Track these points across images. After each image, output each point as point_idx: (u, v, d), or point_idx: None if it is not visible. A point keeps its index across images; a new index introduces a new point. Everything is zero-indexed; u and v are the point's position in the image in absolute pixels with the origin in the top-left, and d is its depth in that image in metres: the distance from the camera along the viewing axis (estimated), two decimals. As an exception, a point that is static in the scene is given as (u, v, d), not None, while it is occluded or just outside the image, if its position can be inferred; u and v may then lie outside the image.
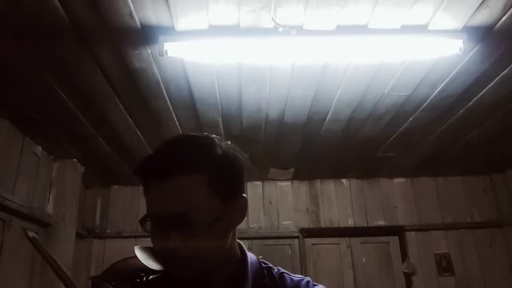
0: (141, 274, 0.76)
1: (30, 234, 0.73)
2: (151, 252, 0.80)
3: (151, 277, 0.76)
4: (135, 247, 0.81)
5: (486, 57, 2.22)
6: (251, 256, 0.84)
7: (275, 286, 0.82)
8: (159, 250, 0.74)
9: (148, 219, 0.75)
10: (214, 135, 0.81)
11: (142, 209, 4.44)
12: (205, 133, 0.82)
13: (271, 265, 0.87)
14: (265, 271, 0.84)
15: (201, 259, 0.72)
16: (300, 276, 0.85)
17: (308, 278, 0.84)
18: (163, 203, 0.72)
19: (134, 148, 3.28)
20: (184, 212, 0.70)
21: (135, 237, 4.05)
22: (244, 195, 0.79)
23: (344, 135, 3.19)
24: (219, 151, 0.76)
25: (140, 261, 0.78)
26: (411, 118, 2.94)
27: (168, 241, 0.71)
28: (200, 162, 0.73)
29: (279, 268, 0.87)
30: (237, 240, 0.84)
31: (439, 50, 2.08)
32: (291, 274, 0.85)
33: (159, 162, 0.73)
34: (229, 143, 0.81)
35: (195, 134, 0.82)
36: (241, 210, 0.79)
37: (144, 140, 3.14)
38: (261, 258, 0.88)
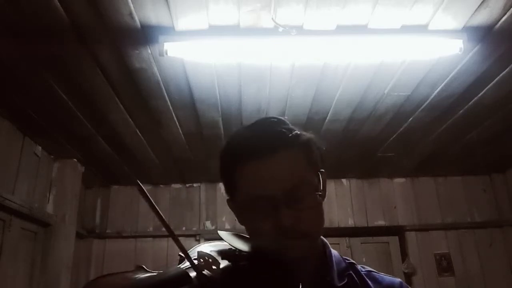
0: (232, 249, 0.72)
1: (138, 182, 0.70)
2: (235, 236, 0.77)
3: (239, 253, 0.72)
4: (219, 231, 0.78)
5: (486, 57, 2.23)
6: (333, 250, 0.85)
7: (362, 281, 0.81)
8: (269, 231, 0.70)
9: (254, 200, 0.72)
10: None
11: (142, 209, 4.45)
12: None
13: (354, 261, 0.86)
14: (348, 265, 0.83)
15: (315, 233, 0.73)
16: (391, 276, 0.84)
17: (399, 279, 0.83)
18: (269, 180, 0.70)
19: (134, 148, 3.28)
20: (294, 186, 0.70)
21: (135, 237, 4.05)
22: (322, 170, 0.79)
23: (344, 135, 3.19)
24: (301, 131, 0.78)
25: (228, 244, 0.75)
26: (411, 118, 2.94)
27: (281, 219, 0.68)
28: (294, 137, 0.74)
29: (364, 266, 0.86)
30: None
31: (439, 50, 2.08)
32: (381, 273, 0.85)
33: (256, 141, 0.72)
34: None
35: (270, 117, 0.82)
36: (325, 183, 0.78)
37: (144, 140, 3.15)
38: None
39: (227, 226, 4.12)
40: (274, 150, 0.71)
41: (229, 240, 0.74)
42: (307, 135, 0.78)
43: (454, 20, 1.93)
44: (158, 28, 1.92)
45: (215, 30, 1.94)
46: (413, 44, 2.03)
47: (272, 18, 1.87)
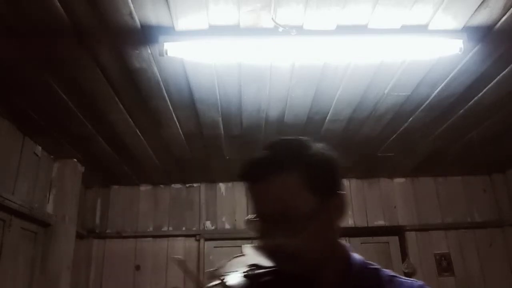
0: (252, 268, 0.83)
1: (177, 258, 0.81)
2: (259, 250, 0.86)
3: (259, 271, 0.82)
4: (243, 245, 0.91)
5: (486, 57, 2.22)
6: (355, 257, 0.86)
7: None
8: (265, 247, 0.79)
9: (255, 219, 0.80)
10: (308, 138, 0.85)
11: (142, 209, 4.47)
12: (299, 137, 0.86)
13: (379, 266, 0.87)
14: (371, 273, 0.85)
15: (304, 254, 0.76)
16: (412, 279, 0.85)
17: (421, 282, 0.84)
18: (264, 202, 0.78)
19: (134, 148, 3.28)
20: (282, 210, 0.75)
21: (135, 237, 4.05)
22: (341, 192, 0.83)
23: (344, 135, 3.19)
24: (314, 150, 0.81)
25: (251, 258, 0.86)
26: (411, 118, 2.94)
27: (271, 238, 0.76)
28: (295, 162, 0.78)
29: (390, 271, 0.87)
30: (341, 241, 0.87)
31: (439, 50, 2.08)
32: (402, 277, 0.86)
33: (257, 166, 0.80)
34: (322, 144, 0.85)
35: (289, 137, 0.86)
36: (340, 207, 0.83)
37: (144, 140, 3.15)
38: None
39: (227, 226, 4.12)
40: (269, 175, 0.77)
41: (251, 256, 0.86)
42: (319, 156, 0.80)
43: (454, 20, 1.93)
44: (158, 28, 1.92)
45: (215, 30, 1.94)
46: (413, 44, 2.03)
47: (272, 18, 1.87)
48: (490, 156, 3.72)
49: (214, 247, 4.04)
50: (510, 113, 2.87)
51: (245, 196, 0.81)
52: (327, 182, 0.80)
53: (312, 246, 0.77)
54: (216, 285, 0.80)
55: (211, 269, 0.85)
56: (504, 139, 3.33)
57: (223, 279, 0.80)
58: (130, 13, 1.80)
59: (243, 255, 0.90)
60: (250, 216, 0.81)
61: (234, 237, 3.96)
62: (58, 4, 1.72)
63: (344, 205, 0.83)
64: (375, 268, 0.86)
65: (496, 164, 4.02)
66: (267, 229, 0.77)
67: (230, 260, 0.90)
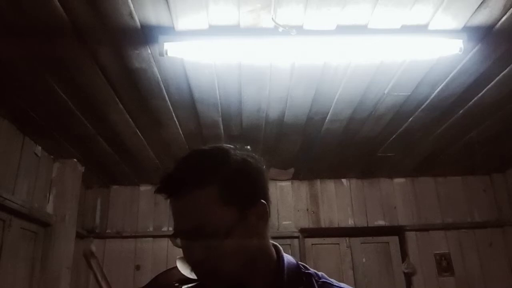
0: (176, 285, 0.81)
1: (93, 248, 0.80)
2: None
3: (185, 286, 0.80)
4: (177, 257, 0.87)
5: (486, 57, 2.22)
6: (289, 261, 0.83)
7: None
8: (188, 263, 0.78)
9: (174, 235, 0.78)
10: (229, 145, 0.82)
11: (142, 209, 4.45)
12: (218, 145, 0.83)
13: (313, 271, 0.85)
14: (304, 278, 0.82)
15: (225, 268, 0.74)
16: (345, 285, 0.83)
17: None
18: (180, 218, 0.76)
19: (134, 148, 3.28)
20: (198, 226, 0.73)
21: (135, 237, 4.05)
22: (262, 201, 0.78)
23: (344, 135, 3.19)
24: (230, 161, 0.78)
25: (180, 271, 0.84)
26: (411, 118, 2.94)
27: (190, 254, 0.75)
28: (209, 176, 0.75)
29: (323, 275, 0.85)
30: (274, 243, 0.84)
31: (439, 50, 2.08)
32: (335, 283, 0.84)
33: (171, 181, 0.77)
34: (245, 149, 0.83)
35: (206, 147, 0.83)
36: (261, 215, 0.78)
37: (144, 140, 3.15)
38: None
39: (227, 226, 4.12)
40: (183, 191, 0.74)
41: (182, 269, 0.84)
42: (235, 167, 0.77)
43: (454, 20, 1.93)
44: (158, 28, 1.92)
45: (215, 30, 1.94)
46: (413, 44, 2.03)
47: (272, 18, 1.87)
48: (490, 156, 3.72)
49: (214, 247, 4.04)
50: (510, 113, 2.87)
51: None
52: (244, 193, 0.77)
53: (232, 260, 0.74)
54: None
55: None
56: (504, 139, 3.33)
57: None
58: (130, 13, 1.80)
59: (174, 267, 0.87)
60: (171, 232, 0.78)
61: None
62: (58, 4, 1.72)
63: (266, 213, 0.78)
64: (309, 273, 0.83)
65: (496, 164, 4.02)
66: (186, 245, 0.75)
67: (160, 274, 0.89)
